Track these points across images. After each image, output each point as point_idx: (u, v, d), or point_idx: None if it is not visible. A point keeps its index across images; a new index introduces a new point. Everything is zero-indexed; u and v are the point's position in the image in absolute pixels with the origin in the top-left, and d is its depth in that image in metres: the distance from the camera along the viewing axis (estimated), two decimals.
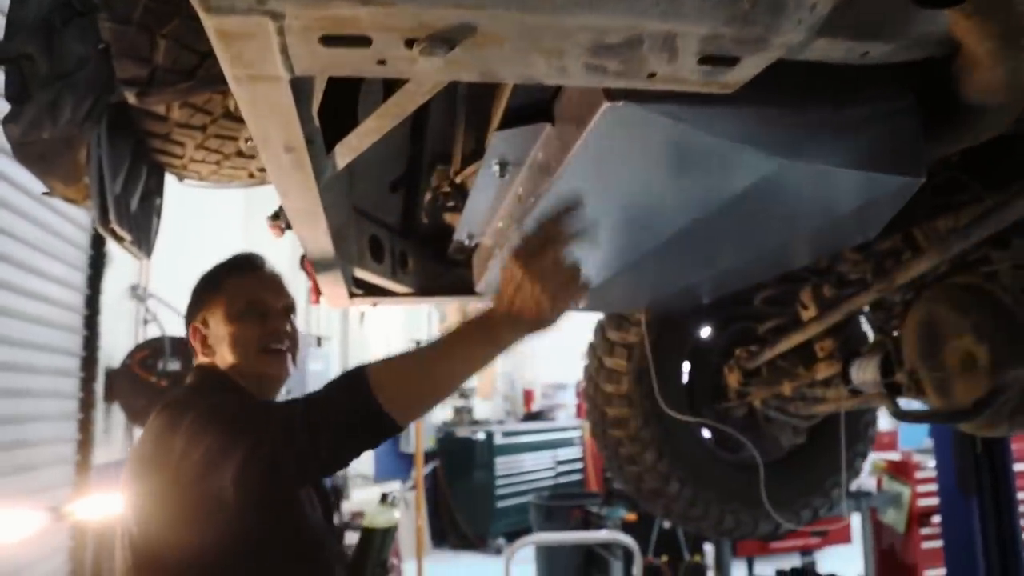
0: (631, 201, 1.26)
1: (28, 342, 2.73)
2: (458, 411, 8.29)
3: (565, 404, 9.28)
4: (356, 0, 0.67)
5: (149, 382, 3.38)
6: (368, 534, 1.64)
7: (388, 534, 1.65)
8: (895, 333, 1.83)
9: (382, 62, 0.79)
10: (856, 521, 5.03)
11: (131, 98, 1.53)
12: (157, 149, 1.75)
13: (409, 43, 0.75)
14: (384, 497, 1.68)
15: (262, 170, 1.79)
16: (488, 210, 1.59)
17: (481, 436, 7.73)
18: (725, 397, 2.50)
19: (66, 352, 3.07)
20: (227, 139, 1.72)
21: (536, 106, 1.18)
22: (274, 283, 1.56)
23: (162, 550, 1.27)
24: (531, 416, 9.02)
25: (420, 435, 5.50)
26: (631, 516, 4.58)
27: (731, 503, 2.48)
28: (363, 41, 0.75)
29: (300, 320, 5.89)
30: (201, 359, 1.50)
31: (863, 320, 2.23)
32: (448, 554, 7.59)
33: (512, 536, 7.48)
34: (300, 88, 0.86)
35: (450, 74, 0.82)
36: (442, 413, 8.39)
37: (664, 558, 4.40)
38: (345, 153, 1.10)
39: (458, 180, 1.61)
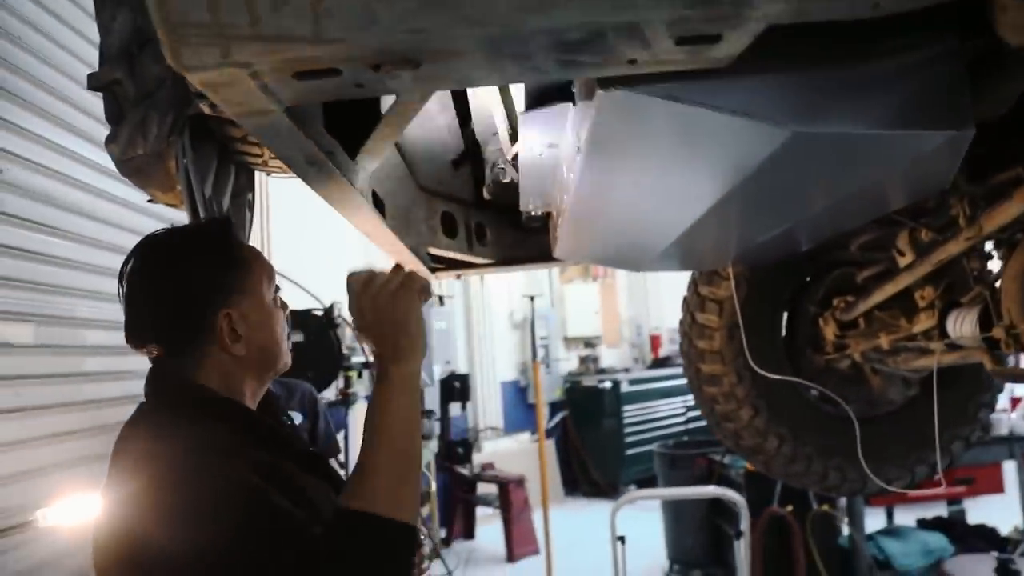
0: (659, 176, 1.24)
1: None
2: (584, 360, 8.38)
3: None
4: (309, 41, 0.72)
5: None
6: None
7: None
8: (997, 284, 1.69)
9: (360, 85, 0.83)
10: (1010, 468, 4.69)
11: (205, 108, 1.67)
12: (239, 151, 1.90)
13: (375, 67, 0.79)
14: None
15: None
16: (539, 183, 1.61)
17: (607, 385, 7.79)
18: (823, 350, 2.40)
19: None
20: None
21: (556, 88, 1.18)
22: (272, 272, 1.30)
23: None
24: (659, 362, 8.95)
25: (539, 389, 5.61)
26: (752, 466, 4.49)
27: (834, 459, 2.40)
28: (334, 72, 0.79)
29: None
30: (232, 351, 1.15)
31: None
32: (581, 502, 7.78)
33: (643, 483, 7.56)
34: (299, 113, 0.93)
35: (427, 87, 0.85)
36: (568, 363, 8.51)
37: (789, 508, 4.30)
38: (369, 158, 1.16)
39: (508, 156, 1.64)
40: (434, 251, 2.02)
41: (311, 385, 3.04)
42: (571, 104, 1.17)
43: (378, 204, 1.60)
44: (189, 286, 1.14)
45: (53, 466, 2.17)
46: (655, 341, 9.33)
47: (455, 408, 6.75)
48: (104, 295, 2.58)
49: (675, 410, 8.19)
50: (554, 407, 8.16)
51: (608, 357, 8.85)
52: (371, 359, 4.26)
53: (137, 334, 1.18)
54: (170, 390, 1.16)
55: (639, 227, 1.61)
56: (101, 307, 2.55)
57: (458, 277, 2.35)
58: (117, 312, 2.64)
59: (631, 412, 7.76)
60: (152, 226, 2.66)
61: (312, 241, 4.55)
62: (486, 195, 1.83)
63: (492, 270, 2.30)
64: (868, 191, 1.32)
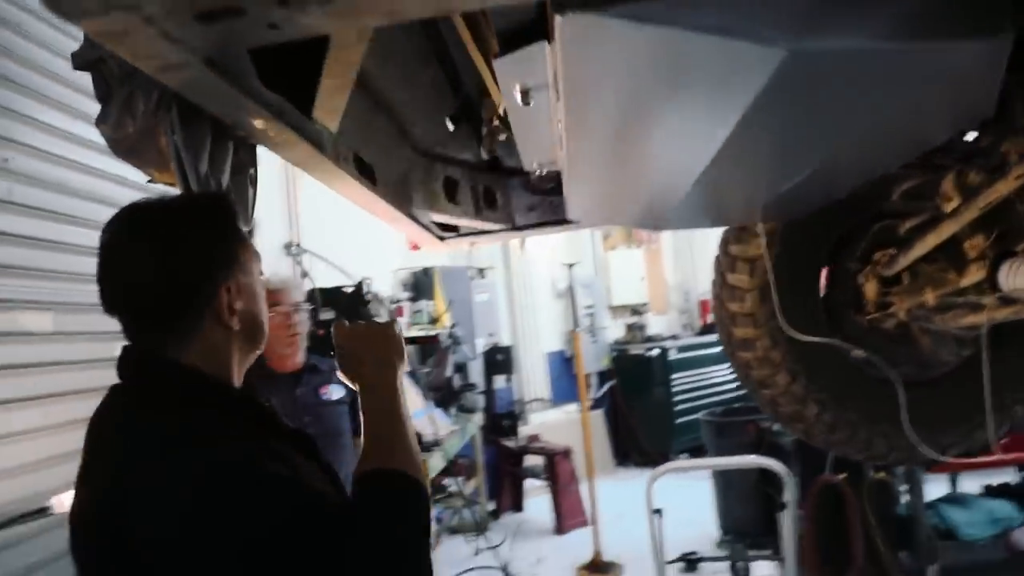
0: (649, 118, 1.12)
1: None
2: (630, 328, 8.23)
3: None
4: None
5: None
6: None
7: None
8: None
9: (273, 26, 0.74)
10: None
11: None
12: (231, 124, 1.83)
13: (283, 3, 0.69)
14: None
15: None
16: (536, 137, 1.50)
17: (655, 352, 7.64)
18: (865, 310, 2.23)
19: None
20: None
21: (528, 26, 1.06)
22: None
23: None
24: (709, 328, 8.72)
25: (580, 358, 5.52)
26: None
27: (880, 425, 2.24)
28: (238, 11, 0.70)
29: (463, 253, 6.09)
30: (228, 323, 1.11)
31: None
32: (632, 472, 7.68)
33: (694, 452, 7.41)
34: (223, 66, 0.84)
35: (350, 22, 0.75)
36: (615, 331, 8.38)
37: (843, 476, 4.12)
38: (328, 115, 1.07)
39: (502, 112, 1.52)
40: (438, 218, 1.94)
41: None
42: (546, 42, 1.06)
43: (366, 170, 1.52)
44: (191, 258, 1.09)
45: (73, 454, 2.17)
46: (704, 307, 9.10)
47: (499, 381, 6.71)
48: None
49: (726, 377, 7.98)
50: (602, 376, 8.05)
51: (656, 324, 8.67)
52: None
53: (118, 305, 1.12)
54: (160, 374, 1.10)
55: (642, 179, 1.48)
56: None
57: (471, 245, 2.26)
58: None
59: (680, 380, 7.60)
60: None
61: (342, 218, 4.52)
62: (484, 156, 1.73)
63: (505, 236, 2.20)
64: (896, 123, 1.17)
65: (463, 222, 2.00)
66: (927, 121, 1.22)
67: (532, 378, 7.47)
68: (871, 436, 2.26)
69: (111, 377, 2.47)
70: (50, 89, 2.32)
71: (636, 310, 8.52)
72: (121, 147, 1.80)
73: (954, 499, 4.41)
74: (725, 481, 5.10)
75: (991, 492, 4.46)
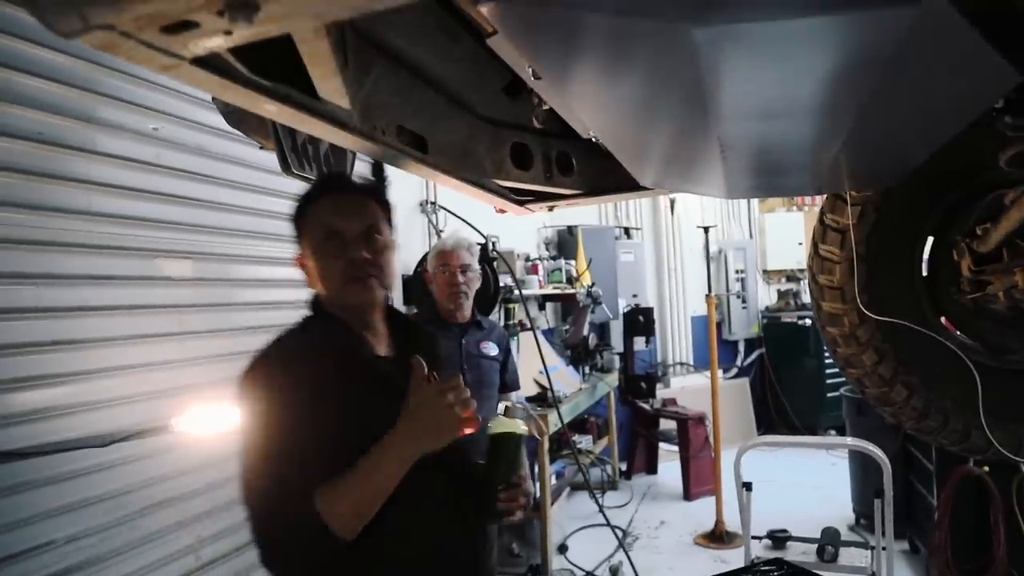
0: (625, 97, 1.13)
1: None
2: (783, 295, 7.85)
3: None
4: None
5: None
6: (492, 444, 1.53)
7: (511, 443, 1.54)
8: None
9: (228, 32, 0.86)
10: None
11: None
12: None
13: (220, 15, 0.81)
14: (508, 409, 1.58)
15: None
16: (567, 111, 1.54)
17: (808, 322, 7.26)
18: (963, 288, 2.06)
19: None
20: None
21: None
22: (350, 205, 1.52)
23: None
24: None
25: (712, 323, 5.39)
26: None
27: (979, 416, 2.06)
28: (191, 24, 0.83)
29: (610, 212, 6.14)
30: (310, 287, 1.52)
31: None
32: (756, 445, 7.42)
33: (842, 429, 7.01)
34: (213, 63, 0.97)
35: (284, 26, 0.85)
36: (767, 297, 8.04)
37: (986, 468, 3.77)
38: (333, 95, 1.19)
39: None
40: (507, 184, 2.02)
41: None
42: None
43: (418, 141, 1.64)
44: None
45: (198, 385, 2.54)
46: None
47: (639, 342, 6.70)
48: (252, 233, 2.91)
49: None
50: (750, 343, 7.78)
51: None
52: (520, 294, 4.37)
53: None
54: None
55: (668, 149, 1.48)
56: (248, 244, 2.88)
57: (550, 209, 2.33)
58: (263, 248, 2.95)
59: None
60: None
61: None
62: (537, 125, 1.78)
63: (582, 201, 2.24)
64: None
65: (534, 188, 2.06)
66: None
67: (676, 341, 7.39)
68: (968, 427, 2.09)
69: (240, 319, 2.83)
70: None
71: (792, 276, 8.11)
72: (232, 119, 2.05)
73: None
74: (861, 463, 4.82)
75: None
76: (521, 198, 2.23)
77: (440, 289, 2.92)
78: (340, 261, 1.46)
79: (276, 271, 3.05)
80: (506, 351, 3.07)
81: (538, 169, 2.05)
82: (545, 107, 1.65)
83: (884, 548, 2.83)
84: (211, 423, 2.13)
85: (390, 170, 3.91)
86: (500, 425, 1.54)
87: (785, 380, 7.53)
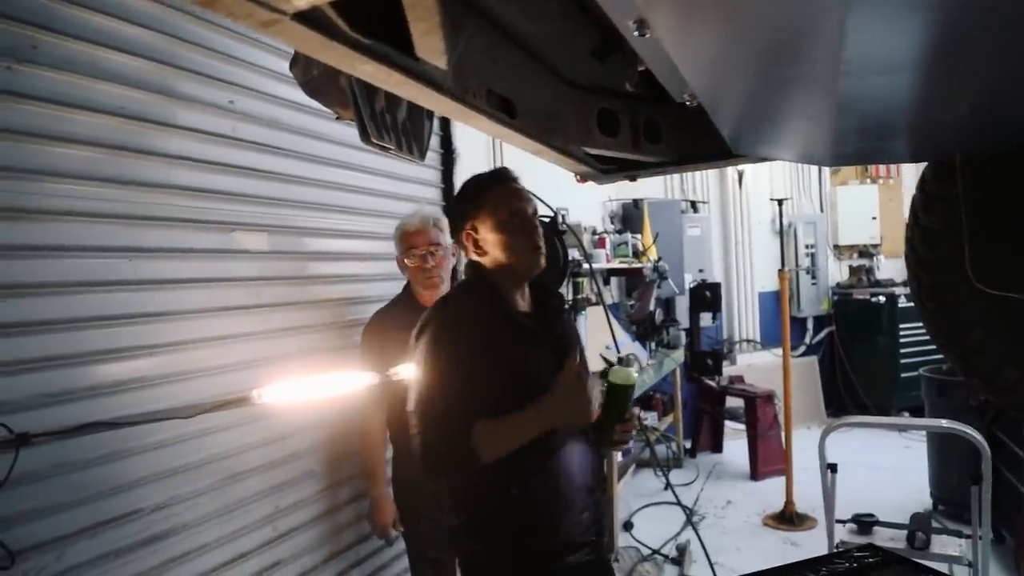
0: (753, 55, 1.04)
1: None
2: (855, 271, 7.57)
3: None
4: None
5: None
6: (609, 389, 1.89)
7: (627, 390, 1.91)
8: None
9: None
10: None
11: None
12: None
13: None
14: (623, 359, 2.18)
15: None
16: (669, 68, 1.45)
17: (881, 300, 6.99)
18: None
19: None
20: None
21: None
22: (524, 192, 1.94)
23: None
24: None
25: (785, 300, 5.21)
26: None
27: None
28: None
29: (676, 185, 6.06)
30: (472, 257, 1.94)
31: None
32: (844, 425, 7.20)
33: (916, 411, 6.76)
34: (313, 18, 0.93)
35: None
36: (837, 273, 7.77)
37: None
38: (431, 54, 1.13)
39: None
40: (593, 151, 1.94)
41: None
42: None
43: (503, 104, 1.58)
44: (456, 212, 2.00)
45: (279, 357, 2.55)
46: None
47: (705, 318, 6.56)
48: (325, 206, 2.90)
49: None
50: (819, 321, 7.55)
51: (886, 269, 7.89)
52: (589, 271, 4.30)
53: None
54: (466, 267, 2.03)
55: (778, 110, 1.38)
56: (322, 217, 2.87)
57: (633, 179, 2.24)
58: (339, 221, 2.94)
59: (908, 331, 6.90)
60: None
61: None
62: (628, 88, 1.69)
63: (669, 170, 2.15)
64: None
65: (622, 155, 1.99)
66: None
67: (743, 318, 7.21)
68: None
69: (317, 292, 2.84)
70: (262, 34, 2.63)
71: (865, 251, 7.81)
72: (310, 88, 2.02)
73: None
74: (940, 446, 4.64)
75: None
76: (605, 167, 2.15)
77: (412, 275, 2.70)
78: (523, 234, 1.87)
79: (349, 244, 3.05)
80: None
81: (625, 136, 1.97)
82: (641, 68, 1.57)
83: (980, 537, 2.69)
84: (292, 394, 2.13)
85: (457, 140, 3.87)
86: (618, 375, 1.89)
87: (856, 359, 7.29)
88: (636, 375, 1.94)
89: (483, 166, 4.21)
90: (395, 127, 2.12)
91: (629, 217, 6.39)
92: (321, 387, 2.27)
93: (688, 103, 1.72)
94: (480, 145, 4.19)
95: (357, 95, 1.93)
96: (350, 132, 3.04)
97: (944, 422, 2.87)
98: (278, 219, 2.64)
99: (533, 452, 1.76)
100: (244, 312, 2.48)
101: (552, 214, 4.17)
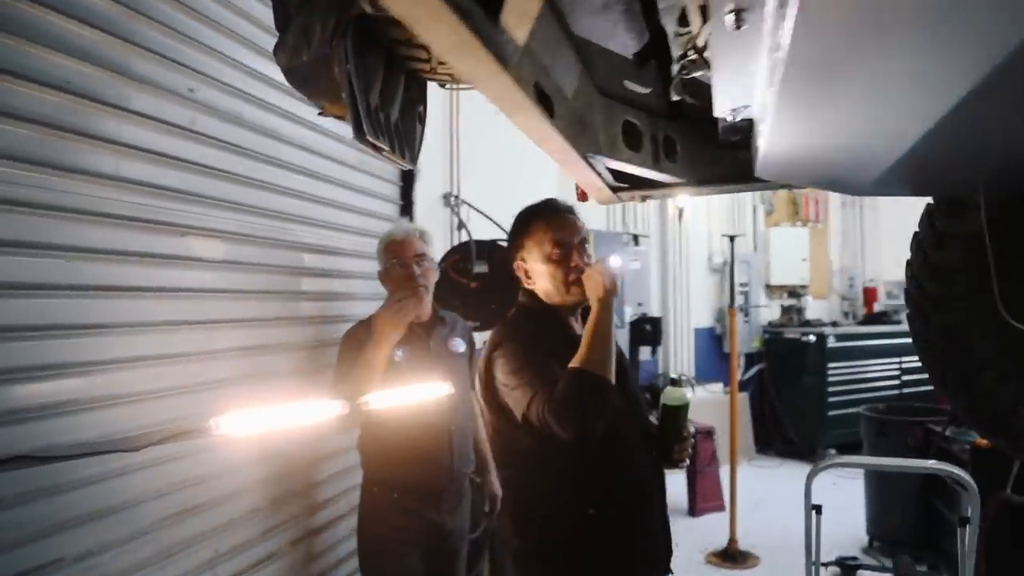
0: (915, 42, 0.90)
1: (357, 252, 3.09)
2: (786, 310, 7.72)
3: None
4: None
5: (461, 284, 3.60)
6: (665, 411, 1.97)
7: (681, 410, 1.98)
8: None
9: None
10: None
11: (366, 6, 1.54)
12: (406, 56, 1.76)
13: None
14: (675, 381, 2.04)
15: None
16: (741, 73, 1.31)
17: (811, 339, 7.14)
18: None
19: None
20: None
21: None
22: (571, 223, 1.99)
23: (502, 432, 1.92)
24: (872, 318, 8.05)
25: (735, 337, 5.21)
26: (983, 442, 3.83)
27: None
28: None
29: (618, 218, 5.95)
30: (526, 285, 2.02)
31: None
32: (773, 461, 7.28)
33: (843, 448, 6.90)
34: None
35: None
36: (769, 312, 7.91)
37: None
38: (517, 19, 0.94)
39: (701, 43, 1.34)
40: (615, 165, 1.79)
41: (469, 322, 2.98)
42: None
43: (544, 101, 1.40)
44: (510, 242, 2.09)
45: (234, 379, 2.26)
46: (869, 295, 8.40)
47: (645, 352, 6.50)
48: (289, 216, 2.63)
49: (888, 372, 7.35)
50: (750, 358, 7.64)
51: (814, 309, 8.10)
52: None
53: None
54: (521, 294, 2.07)
55: (871, 124, 1.26)
56: (286, 228, 2.60)
57: (643, 200, 2.10)
58: (301, 234, 2.67)
59: (837, 370, 7.06)
60: (337, 152, 2.62)
61: (502, 172, 4.46)
62: (673, 96, 1.55)
63: (682, 191, 2.02)
64: None
65: (640, 172, 1.84)
66: None
67: (678, 353, 7.20)
68: None
69: (276, 309, 2.55)
70: (231, 21, 2.36)
71: (794, 292, 8.00)
72: (295, 76, 1.78)
73: None
74: (881, 484, 4.68)
75: None
76: (616, 184, 2.00)
77: (397, 286, 2.54)
78: (563, 267, 1.94)
79: (312, 259, 2.78)
80: (471, 345, 2.78)
81: (647, 151, 1.82)
82: (698, 73, 1.42)
83: None
84: (255, 424, 1.84)
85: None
86: (671, 396, 1.98)
87: (785, 397, 7.40)
88: (689, 395, 2.02)
89: (441, 183, 4.02)
90: (388, 127, 1.91)
91: None
92: (286, 416, 1.98)
93: (730, 119, 1.59)
94: (438, 162, 3.99)
95: (355, 86, 1.71)
96: (313, 138, 2.81)
97: (932, 463, 2.83)
98: (236, 226, 2.35)
99: (609, 472, 1.82)
100: (192, 328, 2.17)
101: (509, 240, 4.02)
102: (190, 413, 2.07)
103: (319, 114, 1.90)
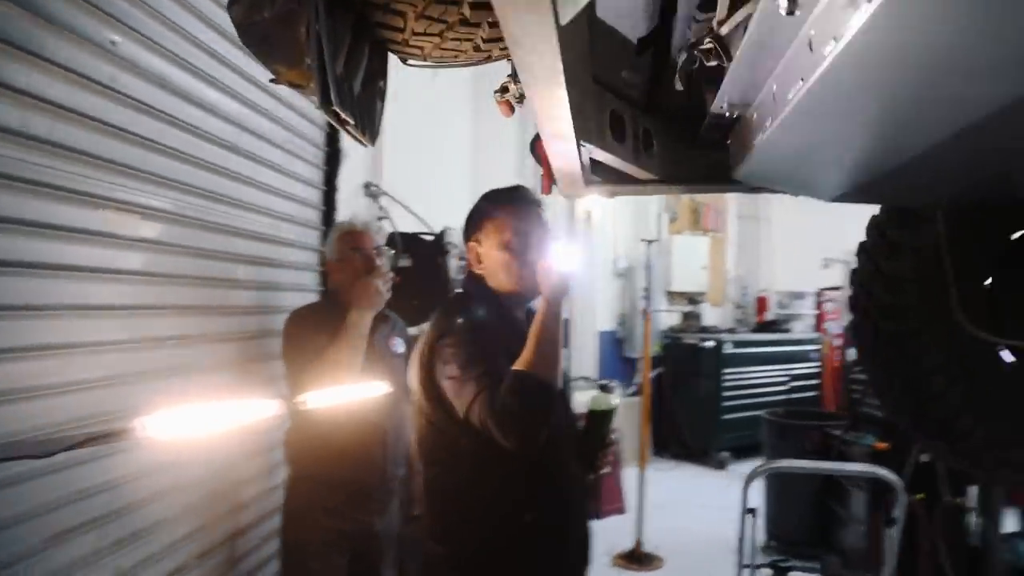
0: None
1: (277, 238, 2.86)
2: (686, 316, 7.95)
3: (802, 315, 8.54)
4: None
5: None
6: (592, 416, 1.96)
7: (608, 415, 1.97)
8: None
9: None
10: None
11: None
12: (378, 22, 1.61)
13: None
14: (604, 386, 2.03)
15: (490, 40, 1.59)
16: (761, 67, 1.26)
17: (709, 344, 7.37)
18: None
19: (306, 247, 3.17)
20: (450, 4, 1.54)
21: None
22: (537, 216, 1.92)
23: (438, 426, 1.79)
24: (764, 326, 8.43)
25: (648, 341, 5.28)
26: (881, 445, 4.05)
27: None
28: None
29: None
30: (475, 268, 1.93)
31: None
32: (668, 464, 7.47)
33: (737, 451, 7.17)
34: None
35: None
36: (669, 318, 8.11)
37: (920, 496, 3.86)
38: None
39: (723, 31, 1.27)
40: (599, 156, 1.71)
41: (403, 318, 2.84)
42: None
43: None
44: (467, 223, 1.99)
45: (157, 371, 2.01)
46: (761, 303, 8.79)
47: None
48: (214, 195, 2.39)
49: (777, 378, 7.71)
50: (651, 363, 7.81)
51: (710, 316, 8.39)
52: None
53: None
54: (466, 278, 1.99)
55: (886, 132, 1.23)
56: (209, 208, 2.36)
57: (612, 195, 2.03)
58: (226, 216, 2.44)
59: (731, 375, 7.33)
60: (264, 129, 2.40)
61: (426, 166, 4.31)
62: (678, 86, 1.47)
63: (653, 188, 1.96)
64: None
65: (618, 165, 1.77)
66: None
67: (581, 355, 7.24)
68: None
69: (205, 296, 2.30)
70: None
71: (693, 298, 8.24)
72: (252, 34, 1.59)
73: None
74: (779, 485, 4.87)
75: None
76: (592, 177, 1.91)
77: (351, 276, 2.45)
78: (519, 259, 1.86)
79: (252, 246, 2.54)
80: (409, 345, 2.69)
81: (629, 144, 1.75)
82: (697, 64, 1.34)
83: None
84: (187, 424, 1.63)
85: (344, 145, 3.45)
86: (600, 401, 1.96)
87: (682, 400, 7.60)
88: (616, 401, 1.98)
89: (364, 170, 3.82)
90: (352, 99, 1.75)
91: None
92: (220, 416, 1.77)
93: (726, 113, 1.54)
94: (360, 149, 3.78)
95: (324, 51, 1.55)
96: (242, 112, 2.57)
97: (859, 466, 2.95)
98: (157, 201, 2.09)
99: (546, 477, 1.79)
100: (110, 314, 1.91)
101: (435, 233, 3.88)
102: (109, 410, 1.82)
103: (272, 80, 1.71)
